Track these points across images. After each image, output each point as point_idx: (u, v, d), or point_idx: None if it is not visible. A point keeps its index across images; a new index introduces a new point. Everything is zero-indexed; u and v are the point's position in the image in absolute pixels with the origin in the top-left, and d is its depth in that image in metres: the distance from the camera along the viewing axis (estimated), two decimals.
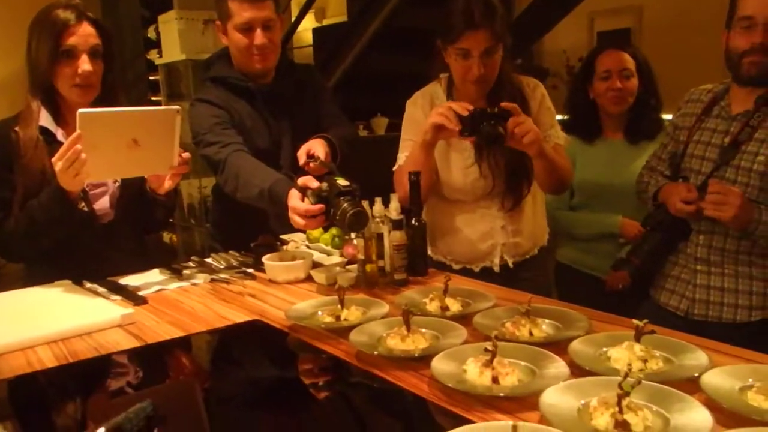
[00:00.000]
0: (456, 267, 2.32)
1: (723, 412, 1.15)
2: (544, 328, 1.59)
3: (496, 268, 2.30)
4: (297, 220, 1.96)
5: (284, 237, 2.45)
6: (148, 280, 2.16)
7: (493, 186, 2.23)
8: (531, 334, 1.54)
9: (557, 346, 1.44)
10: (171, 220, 4.07)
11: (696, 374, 1.28)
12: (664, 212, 2.14)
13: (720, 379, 1.27)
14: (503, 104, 1.98)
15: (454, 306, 1.73)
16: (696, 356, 1.38)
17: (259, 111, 2.42)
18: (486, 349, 1.30)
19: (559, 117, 2.39)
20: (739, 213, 1.90)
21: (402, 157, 2.28)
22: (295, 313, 1.74)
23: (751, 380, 1.26)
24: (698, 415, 1.13)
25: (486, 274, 2.27)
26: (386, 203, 2.01)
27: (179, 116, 1.93)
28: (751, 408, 1.17)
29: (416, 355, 1.43)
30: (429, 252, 2.33)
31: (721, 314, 2.04)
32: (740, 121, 2.02)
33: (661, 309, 2.15)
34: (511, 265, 2.30)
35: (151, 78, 5.66)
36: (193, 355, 1.73)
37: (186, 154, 2.02)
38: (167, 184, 2.09)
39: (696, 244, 2.07)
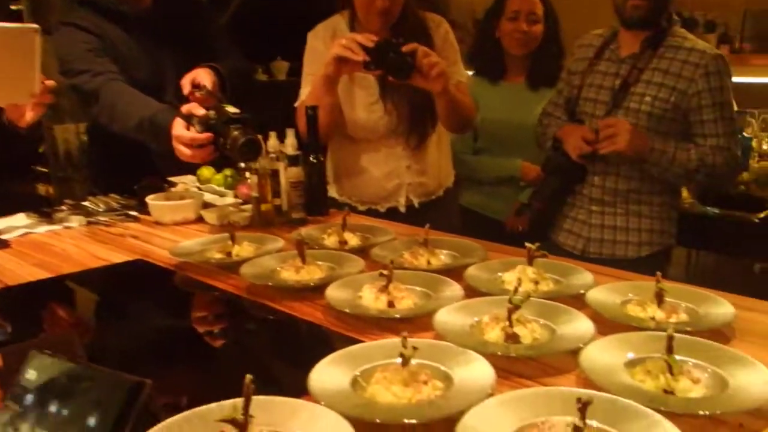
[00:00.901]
0: (361, 208, 2.30)
1: (605, 323, 1.20)
2: (442, 258, 1.61)
3: (402, 209, 2.29)
4: (182, 150, 1.85)
5: (173, 179, 2.33)
6: (12, 224, 1.99)
7: (397, 124, 2.21)
8: (429, 263, 1.56)
9: (454, 273, 1.46)
10: (46, 170, 3.82)
11: (582, 291, 1.34)
12: (561, 155, 2.19)
13: (603, 295, 1.33)
14: (406, 46, 1.94)
15: (353, 240, 1.72)
16: (583, 277, 1.44)
17: (136, 39, 2.24)
18: (381, 274, 1.30)
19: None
20: (632, 139, 1.98)
21: (304, 92, 2.21)
22: (181, 251, 1.67)
23: (630, 295, 1.33)
24: (582, 325, 1.17)
25: (392, 215, 2.26)
26: (283, 139, 1.96)
27: (39, 36, 1.68)
28: (630, 318, 1.24)
29: (311, 284, 1.42)
30: (334, 193, 2.32)
31: (614, 251, 2.13)
32: (628, 64, 2.09)
33: (559, 249, 2.22)
34: (416, 206, 2.30)
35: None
36: (70, 306, 1.59)
37: (50, 82, 1.80)
38: (29, 116, 1.83)
39: (591, 185, 2.14)
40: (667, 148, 2.00)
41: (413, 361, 1.00)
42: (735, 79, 2.07)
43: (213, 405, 0.89)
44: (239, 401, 0.80)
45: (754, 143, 2.99)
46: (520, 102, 2.71)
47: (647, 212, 2.11)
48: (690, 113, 2.00)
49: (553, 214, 2.30)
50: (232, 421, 0.79)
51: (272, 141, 1.94)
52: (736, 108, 2.08)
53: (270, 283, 1.44)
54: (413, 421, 0.89)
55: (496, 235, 1.94)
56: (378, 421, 0.89)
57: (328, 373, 1.01)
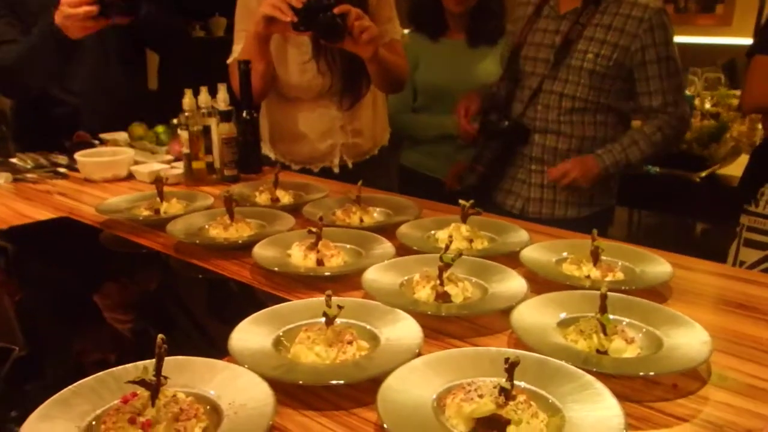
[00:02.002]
0: (295, 168, 2.25)
1: (539, 282, 1.18)
2: (375, 216, 1.56)
3: (336, 169, 2.25)
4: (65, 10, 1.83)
5: (104, 136, 2.24)
6: None
7: (331, 84, 2.15)
8: (362, 221, 1.51)
9: (387, 231, 1.42)
10: None
11: (517, 249, 1.31)
12: (502, 119, 2.16)
13: (538, 253, 1.31)
14: (338, 8, 1.86)
15: (285, 198, 1.67)
16: (518, 235, 1.42)
17: None
18: (310, 231, 1.25)
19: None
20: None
21: (236, 49, 2.12)
22: (108, 207, 1.59)
23: (566, 254, 1.31)
24: (515, 284, 1.15)
25: (325, 175, 2.22)
26: (215, 95, 1.88)
27: None
28: (564, 276, 1.22)
29: (239, 242, 1.36)
30: (268, 152, 2.26)
31: (554, 211, 2.12)
32: (569, 20, 2.05)
33: (499, 209, 2.19)
34: (350, 166, 2.26)
35: None
36: None
37: None
38: None
39: (531, 144, 2.12)
40: (617, 156, 1.99)
41: (338, 321, 0.96)
42: (679, 38, 2.05)
43: (129, 366, 0.84)
44: (152, 362, 0.75)
45: (696, 102, 2.99)
46: (460, 60, 2.66)
47: None
48: (634, 70, 1.97)
49: (495, 175, 2.28)
50: (142, 383, 0.74)
51: (203, 96, 1.86)
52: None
53: (197, 241, 1.38)
54: (337, 381, 0.85)
55: (436, 194, 1.91)
56: (301, 382, 0.85)
57: (250, 333, 0.96)
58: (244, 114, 1.94)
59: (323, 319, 0.95)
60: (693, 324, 0.98)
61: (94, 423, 0.76)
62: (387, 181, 2.42)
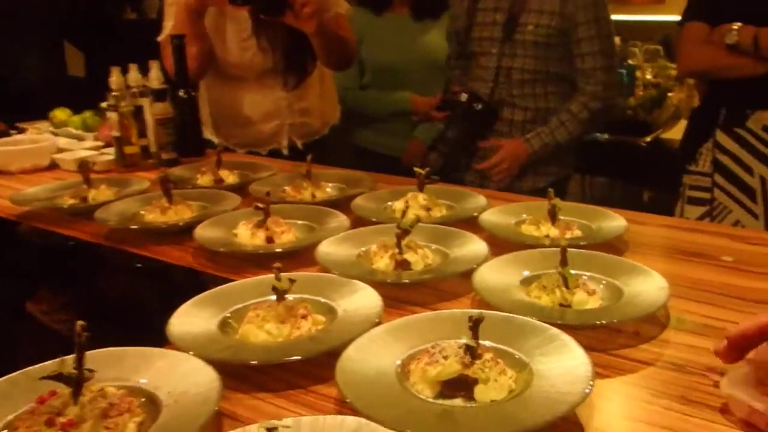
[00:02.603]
0: (241, 151, 2.15)
1: (500, 244, 1.13)
2: (328, 190, 1.49)
3: (285, 151, 2.16)
4: None
5: (22, 125, 2.08)
6: None
7: (273, 62, 2.06)
8: (314, 196, 1.44)
9: (341, 206, 1.35)
10: None
11: (475, 214, 1.26)
12: (473, 101, 2.11)
13: (497, 216, 1.27)
14: None
15: (230, 178, 1.58)
16: (476, 200, 1.38)
17: None
18: (257, 207, 1.17)
19: None
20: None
21: (167, 26, 1.99)
22: (24, 198, 1.46)
23: (524, 215, 1.27)
24: (476, 247, 1.10)
25: (274, 158, 2.13)
26: (146, 73, 1.77)
27: None
28: (524, 237, 1.18)
29: (180, 225, 1.27)
30: (211, 137, 2.15)
31: (511, 183, 2.08)
32: None
33: (460, 182, 2.15)
34: (300, 147, 2.18)
35: None
36: None
37: None
38: None
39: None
40: (545, 139, 1.98)
41: (290, 296, 0.89)
42: (617, 16, 2.06)
43: (47, 363, 0.74)
44: (71, 357, 0.67)
45: (638, 74, 3.04)
46: (405, 34, 2.60)
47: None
48: (569, 32, 1.95)
49: (458, 156, 2.24)
50: (59, 377, 0.65)
51: (133, 74, 1.75)
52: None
53: (133, 226, 1.28)
54: (292, 358, 0.78)
55: (393, 172, 1.84)
56: (254, 362, 0.78)
57: (192, 317, 0.88)
58: (181, 93, 1.83)
59: (274, 297, 0.88)
60: (650, 272, 0.97)
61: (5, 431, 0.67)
62: (340, 162, 2.34)
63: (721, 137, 1.62)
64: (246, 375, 0.79)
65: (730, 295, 0.98)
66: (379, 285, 0.95)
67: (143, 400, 0.70)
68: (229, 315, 0.90)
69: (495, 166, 2.02)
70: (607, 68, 1.95)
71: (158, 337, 0.83)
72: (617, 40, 2.75)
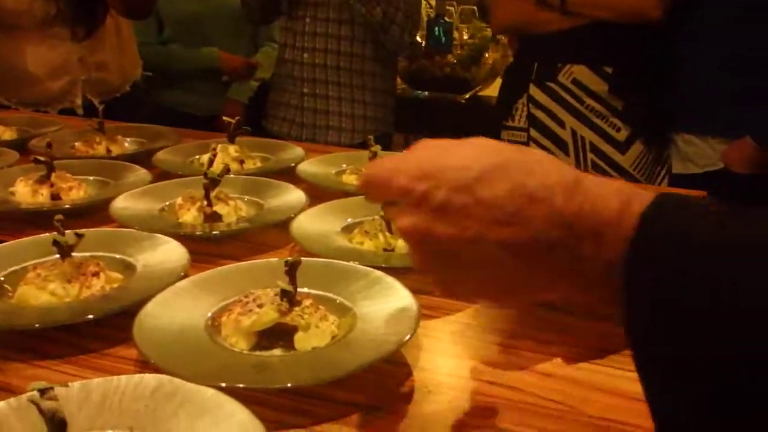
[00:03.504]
0: (26, 111, 1.91)
1: (320, 195, 1.07)
2: (126, 145, 1.35)
3: (79, 110, 1.95)
4: None
5: None
6: None
7: (57, 8, 1.84)
8: (109, 151, 1.29)
9: (141, 161, 1.22)
10: None
11: (293, 164, 1.20)
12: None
13: (316, 167, 1.21)
14: None
15: (6, 134, 1.38)
16: (293, 151, 1.31)
17: None
18: (36, 160, 1.02)
19: None
20: None
21: None
22: None
23: (344, 165, 1.22)
24: (293, 196, 1.03)
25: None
26: None
27: None
28: (345, 186, 1.13)
29: None
30: None
31: (327, 138, 2.03)
32: None
33: (275, 138, 2.06)
34: (98, 105, 1.97)
35: None
36: None
37: None
38: None
39: (302, 66, 2.00)
40: None
41: (80, 255, 0.77)
42: None
43: None
44: None
45: (456, 34, 3.10)
46: None
47: (360, 97, 2.03)
48: None
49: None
50: None
51: None
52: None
53: None
54: (85, 317, 0.67)
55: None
56: (36, 325, 0.67)
57: None
58: None
59: (58, 256, 0.76)
60: None
61: None
62: (145, 121, 2.17)
63: (534, 92, 1.65)
64: (25, 343, 0.67)
65: None
66: (187, 240, 0.85)
67: None
68: (2, 279, 0.76)
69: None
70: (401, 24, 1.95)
71: None
72: None
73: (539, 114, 1.66)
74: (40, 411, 0.43)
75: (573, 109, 1.62)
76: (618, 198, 0.40)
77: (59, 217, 0.75)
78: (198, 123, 2.43)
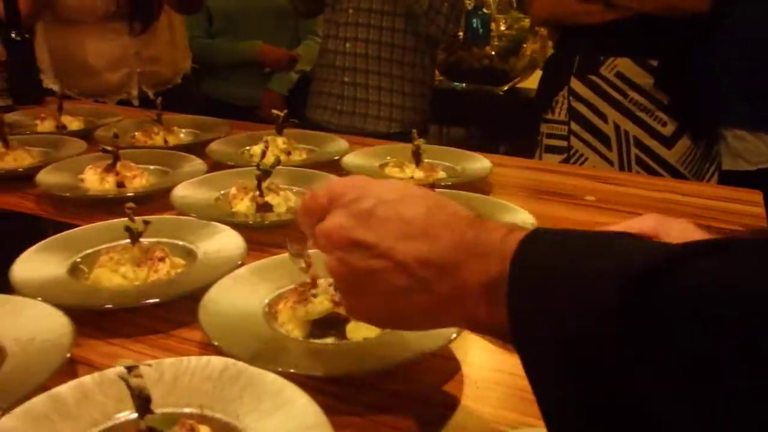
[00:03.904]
0: (86, 101, 2.01)
1: None
2: (182, 136, 1.42)
3: (135, 101, 2.04)
4: None
5: None
6: None
7: (117, 5, 1.92)
8: (166, 141, 1.36)
9: (196, 150, 1.29)
10: None
11: (337, 157, 1.25)
12: None
13: (360, 159, 1.26)
14: None
15: (74, 124, 1.46)
16: (338, 144, 1.37)
17: None
18: (104, 149, 1.09)
19: None
20: None
21: None
22: None
23: (388, 158, 1.27)
24: None
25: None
26: None
27: None
28: (389, 178, 1.16)
29: (20, 170, 1.16)
30: (52, 85, 1.99)
31: (364, 125, 2.08)
32: None
33: (316, 126, 2.11)
34: (152, 96, 2.06)
35: None
36: None
37: None
38: None
39: (344, 55, 2.05)
40: None
41: (147, 240, 0.84)
42: None
43: None
44: None
45: (493, 25, 3.10)
46: None
47: (399, 87, 2.07)
48: None
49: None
50: None
51: None
52: None
53: None
54: (151, 301, 0.74)
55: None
56: (109, 306, 0.73)
57: (38, 262, 0.81)
58: (13, 35, 1.67)
59: (128, 240, 0.82)
60: (517, 210, 0.99)
61: None
62: (194, 112, 2.25)
63: (576, 85, 1.63)
64: (100, 321, 0.73)
65: None
66: (240, 228, 0.91)
67: None
68: (79, 260, 0.83)
69: None
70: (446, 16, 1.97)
71: None
72: None
73: (580, 107, 1.65)
74: (128, 387, 0.48)
75: (616, 103, 1.60)
76: (504, 229, 0.46)
77: (130, 205, 0.81)
78: (240, 113, 2.52)
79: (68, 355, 0.62)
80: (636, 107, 1.59)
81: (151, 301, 0.73)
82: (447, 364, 0.67)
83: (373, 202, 0.51)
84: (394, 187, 0.52)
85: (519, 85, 2.87)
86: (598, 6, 1.54)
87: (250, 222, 0.97)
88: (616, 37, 1.57)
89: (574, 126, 1.66)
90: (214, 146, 1.30)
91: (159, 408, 0.53)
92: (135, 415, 0.52)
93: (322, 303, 0.69)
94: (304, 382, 0.58)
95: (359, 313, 0.55)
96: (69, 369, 0.63)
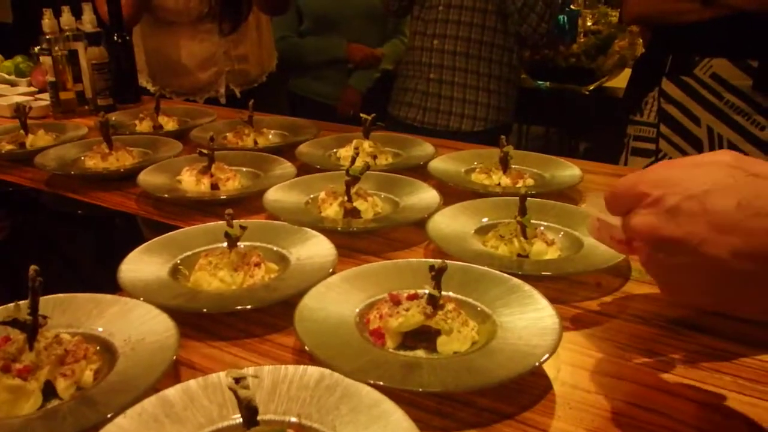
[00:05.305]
0: (177, 100, 2.09)
1: (450, 192, 1.12)
2: (271, 137, 1.46)
3: (222, 99, 2.12)
4: None
5: None
6: None
7: (209, 7, 1.99)
8: (256, 143, 1.40)
9: (285, 152, 1.32)
10: None
11: (423, 162, 1.25)
12: None
13: (446, 164, 1.26)
14: None
15: (170, 124, 1.52)
16: (423, 148, 1.37)
17: None
18: (200, 152, 1.13)
19: None
20: None
21: None
22: None
23: (475, 163, 1.26)
24: (426, 195, 1.09)
25: (211, 106, 2.07)
26: (79, 16, 1.68)
27: None
28: (475, 185, 1.18)
29: (122, 171, 1.22)
30: (146, 84, 2.10)
31: (449, 123, 2.08)
32: None
33: (396, 123, 2.13)
34: (238, 95, 2.13)
35: None
36: None
37: None
38: None
39: (430, 51, 2.05)
40: None
41: (242, 244, 0.87)
42: None
43: None
44: (25, 302, 0.63)
45: (580, 21, 3.03)
46: None
47: (486, 85, 2.06)
48: None
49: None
50: (14, 323, 0.62)
51: (66, 17, 1.65)
52: None
53: (73, 172, 1.23)
54: (247, 306, 0.76)
55: (327, 120, 1.82)
56: (205, 310, 0.76)
57: (143, 263, 0.85)
58: (115, 37, 1.75)
59: (225, 244, 0.86)
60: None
61: None
62: (278, 110, 2.31)
63: (667, 86, 1.57)
64: (199, 323, 0.77)
65: None
66: (328, 233, 0.93)
67: (98, 347, 0.68)
68: (179, 262, 0.87)
69: None
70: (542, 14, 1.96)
71: (97, 283, 0.80)
72: None
73: (671, 109, 1.59)
74: (237, 398, 0.50)
75: (710, 105, 1.54)
76: None
77: (230, 211, 0.85)
78: (322, 109, 2.57)
79: (174, 357, 0.65)
80: (732, 110, 1.53)
81: (248, 306, 0.76)
82: (538, 382, 0.67)
83: (678, 199, 0.52)
84: (702, 179, 0.52)
85: (606, 84, 2.79)
86: (695, 4, 1.48)
87: (339, 228, 0.98)
88: (713, 36, 1.51)
89: (663, 129, 1.61)
90: (303, 148, 1.33)
91: (259, 415, 0.54)
92: (235, 422, 0.55)
93: (414, 315, 0.70)
94: (396, 393, 0.59)
95: (678, 300, 0.59)
96: (172, 370, 0.66)
